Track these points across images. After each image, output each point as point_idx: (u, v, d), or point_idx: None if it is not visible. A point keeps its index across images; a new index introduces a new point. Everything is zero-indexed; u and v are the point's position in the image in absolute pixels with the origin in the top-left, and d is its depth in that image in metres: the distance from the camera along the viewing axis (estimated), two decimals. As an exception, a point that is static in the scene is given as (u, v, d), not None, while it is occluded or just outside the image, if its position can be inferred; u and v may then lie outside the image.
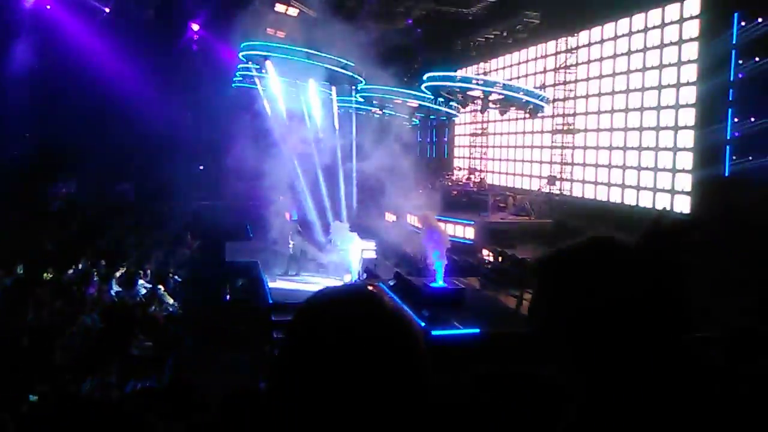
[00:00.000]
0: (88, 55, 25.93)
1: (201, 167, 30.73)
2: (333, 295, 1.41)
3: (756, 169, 13.39)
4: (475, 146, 27.24)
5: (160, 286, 15.01)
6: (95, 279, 15.27)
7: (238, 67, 22.41)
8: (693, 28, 15.60)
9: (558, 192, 21.03)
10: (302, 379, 1.30)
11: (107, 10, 26.24)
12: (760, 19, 13.58)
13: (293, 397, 1.32)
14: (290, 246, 18.77)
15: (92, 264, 16.49)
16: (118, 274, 15.66)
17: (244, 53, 20.21)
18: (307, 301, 1.41)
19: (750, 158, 13.58)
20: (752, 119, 13.73)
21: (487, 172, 26.35)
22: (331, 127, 21.86)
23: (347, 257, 17.51)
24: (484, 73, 25.31)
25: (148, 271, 16.59)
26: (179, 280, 16.91)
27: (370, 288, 1.40)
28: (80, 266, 16.31)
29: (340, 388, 1.28)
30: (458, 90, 20.73)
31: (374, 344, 1.32)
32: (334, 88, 21.69)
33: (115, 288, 15.04)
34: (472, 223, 20.83)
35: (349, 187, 22.39)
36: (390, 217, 21.88)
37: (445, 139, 30.85)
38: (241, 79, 23.09)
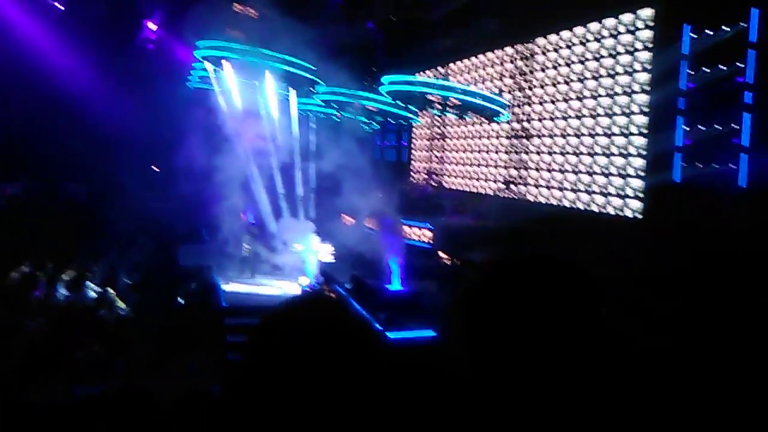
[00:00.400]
0: (40, 52, 25.20)
1: (155, 168, 30.10)
2: (294, 304, 1.45)
3: (705, 176, 13.78)
4: (433, 150, 27.42)
5: (110, 290, 14.63)
6: (42, 282, 14.78)
7: (194, 65, 21.99)
8: (646, 38, 16.00)
9: (514, 196, 21.29)
10: (265, 383, 1.31)
11: (62, 7, 25.56)
12: (710, 31, 13.98)
13: (255, 400, 1.32)
14: (245, 249, 18.54)
15: (39, 266, 15.94)
16: (65, 276, 15.18)
17: (200, 52, 19.82)
18: (270, 311, 1.43)
19: (700, 165, 13.95)
20: (701, 127, 14.11)
21: (444, 175, 26.53)
22: (289, 128, 21.66)
23: (303, 258, 17.38)
24: (443, 78, 25.48)
25: (98, 274, 16.15)
26: (130, 283, 16.52)
27: (330, 295, 1.46)
28: (25, 269, 15.75)
29: (302, 391, 1.29)
30: (417, 94, 20.79)
31: (333, 350, 1.34)
32: (293, 91, 21.49)
33: (63, 291, 14.59)
34: (430, 226, 20.94)
35: (306, 188, 22.24)
36: (347, 219, 21.83)
37: (404, 142, 30.94)
38: (198, 80, 22.65)
